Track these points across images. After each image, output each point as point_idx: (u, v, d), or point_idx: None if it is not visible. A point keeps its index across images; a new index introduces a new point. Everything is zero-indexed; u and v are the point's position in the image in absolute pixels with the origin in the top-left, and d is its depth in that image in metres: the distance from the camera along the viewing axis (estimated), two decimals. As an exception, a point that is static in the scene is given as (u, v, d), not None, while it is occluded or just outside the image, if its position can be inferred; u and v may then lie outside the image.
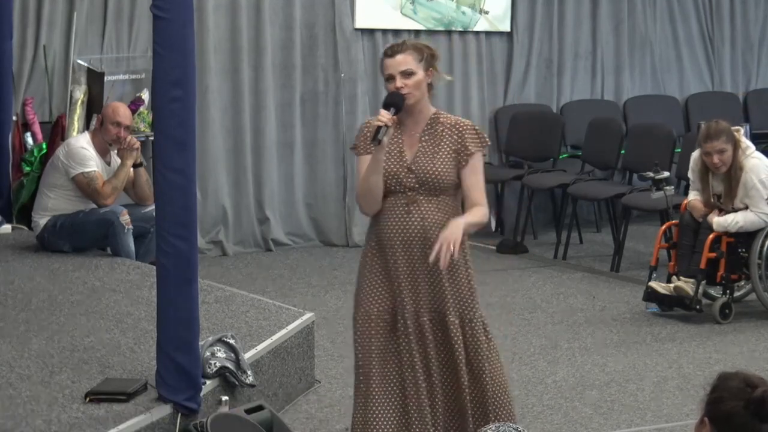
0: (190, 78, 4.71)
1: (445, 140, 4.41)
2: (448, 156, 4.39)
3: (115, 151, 7.47)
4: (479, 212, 4.37)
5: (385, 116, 4.26)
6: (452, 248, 4.16)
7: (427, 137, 4.42)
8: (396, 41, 4.53)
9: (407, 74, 4.35)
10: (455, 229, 4.21)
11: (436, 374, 4.41)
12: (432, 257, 4.20)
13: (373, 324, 4.42)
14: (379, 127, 4.23)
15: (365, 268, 4.46)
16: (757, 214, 7.35)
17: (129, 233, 7.26)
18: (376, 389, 4.41)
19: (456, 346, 4.40)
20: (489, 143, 4.52)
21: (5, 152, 7.90)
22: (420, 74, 4.38)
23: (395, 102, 4.33)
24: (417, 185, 4.36)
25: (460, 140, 4.41)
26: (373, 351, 4.42)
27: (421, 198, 4.37)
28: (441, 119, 4.45)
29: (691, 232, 7.54)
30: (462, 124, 4.45)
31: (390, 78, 4.36)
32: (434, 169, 4.36)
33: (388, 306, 4.42)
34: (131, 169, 7.44)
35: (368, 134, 4.36)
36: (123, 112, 7.41)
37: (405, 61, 4.36)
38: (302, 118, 9.51)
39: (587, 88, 10.83)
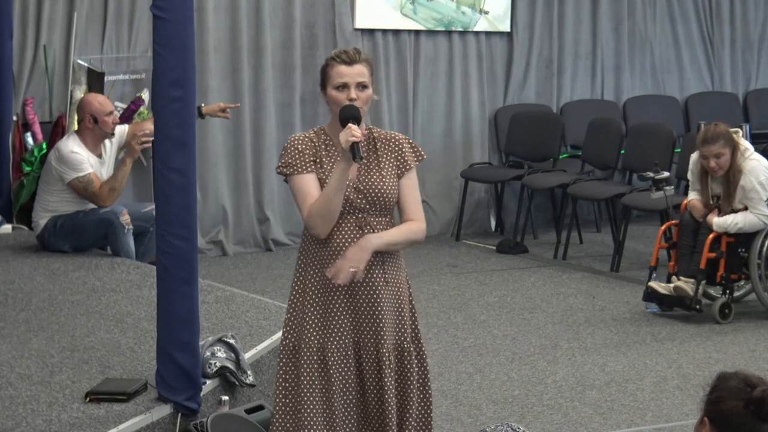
0: (190, 78, 4.71)
1: (385, 156, 4.15)
2: (392, 172, 4.13)
3: (111, 143, 7.49)
4: (407, 228, 4.14)
5: (358, 131, 3.95)
6: (355, 269, 3.99)
7: (366, 154, 4.14)
8: (348, 47, 4.21)
9: (362, 87, 4.08)
10: (364, 248, 4.01)
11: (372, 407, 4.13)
12: (330, 272, 4.01)
13: (316, 358, 4.09)
14: (354, 144, 3.95)
15: (307, 297, 4.14)
16: (756, 216, 7.35)
17: (129, 233, 7.26)
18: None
19: (403, 376, 4.14)
20: (425, 157, 4.27)
21: (5, 152, 7.91)
22: (370, 89, 4.10)
23: (354, 115, 4.01)
24: (367, 206, 4.09)
25: (399, 155, 4.18)
26: (315, 386, 4.09)
27: (372, 219, 4.08)
28: (375, 134, 4.19)
29: (690, 232, 7.54)
30: (398, 138, 4.22)
31: (343, 87, 4.06)
32: (383, 187, 4.11)
33: (321, 340, 4.10)
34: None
35: (305, 151, 4.09)
36: (106, 100, 7.53)
37: (362, 72, 4.09)
38: (302, 118, 9.51)
39: (587, 88, 10.84)
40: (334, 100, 4.10)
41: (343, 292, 4.09)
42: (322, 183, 4.09)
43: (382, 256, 4.11)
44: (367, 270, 4.06)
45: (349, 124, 3.99)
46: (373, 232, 4.08)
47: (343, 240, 4.07)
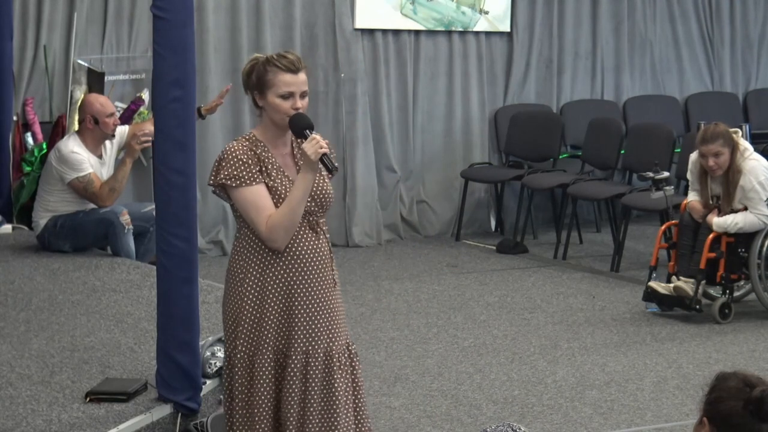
0: (190, 78, 4.72)
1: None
2: (326, 173, 4.08)
3: (111, 143, 7.50)
4: None
5: (323, 141, 3.95)
6: None
7: (300, 155, 4.05)
8: (288, 54, 4.14)
9: (304, 95, 4.03)
10: None
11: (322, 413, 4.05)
12: None
13: (272, 365, 4.01)
14: (324, 155, 3.94)
15: (265, 305, 3.99)
16: (756, 216, 7.35)
17: (129, 233, 7.27)
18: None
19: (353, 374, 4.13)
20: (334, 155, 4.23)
21: (5, 152, 7.91)
22: (307, 98, 4.05)
23: (309, 124, 3.98)
24: (316, 208, 4.05)
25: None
26: (271, 394, 4.02)
27: (320, 221, 4.08)
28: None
29: (690, 232, 7.55)
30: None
31: (289, 96, 4.00)
32: (327, 188, 4.09)
33: (277, 347, 4.01)
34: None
35: (249, 162, 3.96)
36: (108, 101, 7.54)
37: (305, 81, 4.03)
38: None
39: (587, 88, 10.84)
40: (277, 109, 4.03)
41: (304, 298, 4.01)
42: (271, 192, 4.00)
43: (331, 257, 4.11)
44: (322, 271, 4.05)
45: (313, 135, 3.96)
46: (323, 231, 4.08)
47: (303, 244, 4.02)
